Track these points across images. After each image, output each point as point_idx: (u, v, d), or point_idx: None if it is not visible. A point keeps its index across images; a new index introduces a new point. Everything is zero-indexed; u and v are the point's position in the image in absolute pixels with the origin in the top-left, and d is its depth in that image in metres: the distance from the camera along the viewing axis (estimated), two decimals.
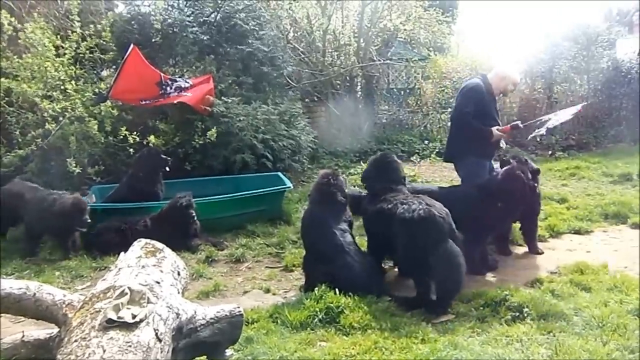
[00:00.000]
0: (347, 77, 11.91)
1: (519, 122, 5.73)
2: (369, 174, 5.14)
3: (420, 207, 4.31)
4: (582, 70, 11.45)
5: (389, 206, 4.56)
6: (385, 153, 5.51)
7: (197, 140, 7.49)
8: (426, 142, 10.70)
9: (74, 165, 6.71)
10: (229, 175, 7.56)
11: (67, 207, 5.68)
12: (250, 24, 8.65)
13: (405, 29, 12.45)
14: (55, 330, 3.19)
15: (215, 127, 7.41)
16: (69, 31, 7.31)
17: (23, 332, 3.44)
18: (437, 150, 10.48)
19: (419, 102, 11.75)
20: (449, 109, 9.65)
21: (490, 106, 5.60)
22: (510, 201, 4.93)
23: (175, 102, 7.17)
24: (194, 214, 5.98)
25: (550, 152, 10.63)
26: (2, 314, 3.53)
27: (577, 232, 6.21)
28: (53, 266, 5.63)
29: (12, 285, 3.28)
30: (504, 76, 5.62)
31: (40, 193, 6.09)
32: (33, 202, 5.97)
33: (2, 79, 6.84)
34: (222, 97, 7.80)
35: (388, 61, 11.91)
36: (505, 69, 5.74)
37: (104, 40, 7.36)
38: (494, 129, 5.45)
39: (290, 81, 10.22)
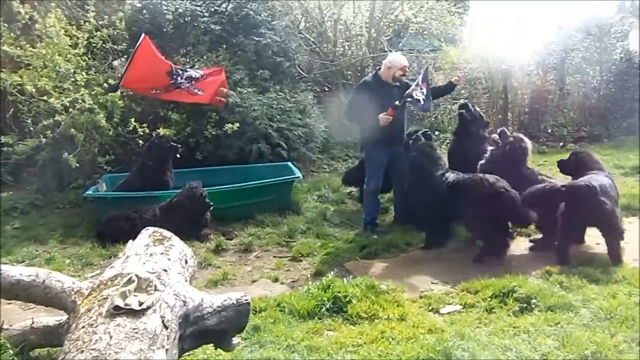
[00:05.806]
0: (358, 68, 11.81)
1: (397, 102, 5.95)
2: None
3: None
4: (594, 61, 11.26)
5: None
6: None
7: (210, 131, 7.49)
8: (437, 132, 10.59)
9: (75, 159, 6.73)
10: (239, 165, 7.57)
11: None
12: (262, 14, 8.61)
13: (417, 21, 12.34)
14: (65, 317, 3.23)
15: (232, 119, 7.40)
16: (82, 21, 7.32)
17: (33, 318, 3.50)
18: (447, 141, 10.40)
19: None
20: (460, 100, 9.57)
21: (385, 95, 5.97)
22: None
23: (188, 102, 7.17)
24: (211, 203, 6.01)
25: (561, 144, 10.51)
26: (12, 301, 3.59)
27: None
28: (64, 254, 5.70)
29: (22, 272, 3.33)
30: (390, 66, 6.09)
31: None
32: None
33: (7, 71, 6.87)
34: (237, 88, 7.78)
35: (399, 52, 11.78)
36: (391, 58, 6.23)
37: (117, 31, 7.38)
38: (380, 115, 5.82)
39: (301, 71, 10.18)
